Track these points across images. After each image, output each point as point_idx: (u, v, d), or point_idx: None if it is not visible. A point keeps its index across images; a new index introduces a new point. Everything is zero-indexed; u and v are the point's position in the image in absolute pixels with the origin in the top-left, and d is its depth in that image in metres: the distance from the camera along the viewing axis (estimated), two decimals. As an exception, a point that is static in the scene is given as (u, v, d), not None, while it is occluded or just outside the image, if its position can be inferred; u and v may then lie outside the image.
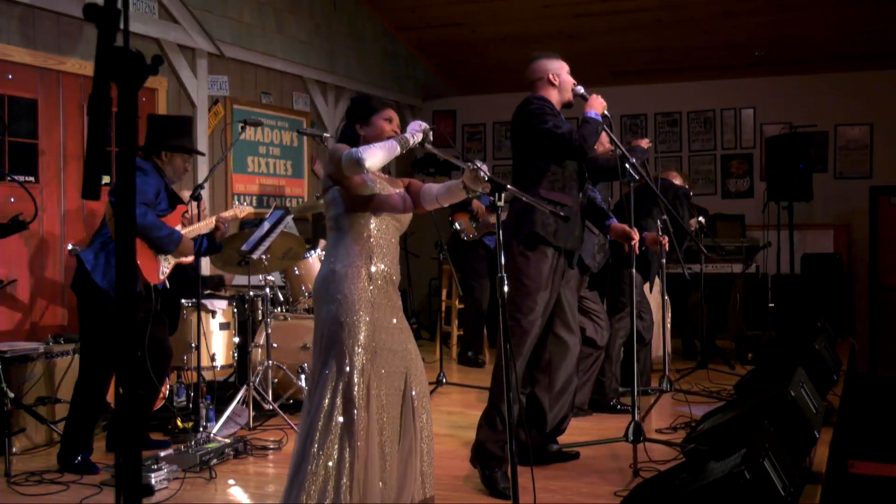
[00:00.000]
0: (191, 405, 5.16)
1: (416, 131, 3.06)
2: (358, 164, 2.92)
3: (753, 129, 9.33)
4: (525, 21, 8.29)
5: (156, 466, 3.88)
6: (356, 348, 2.93)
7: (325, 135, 6.04)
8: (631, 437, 3.91)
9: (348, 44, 8.47)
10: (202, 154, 5.70)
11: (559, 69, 4.13)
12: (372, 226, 3.07)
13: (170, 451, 4.14)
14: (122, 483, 1.29)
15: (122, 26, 1.29)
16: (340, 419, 2.88)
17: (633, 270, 4.30)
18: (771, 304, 7.66)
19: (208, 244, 4.63)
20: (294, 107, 7.92)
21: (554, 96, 4.10)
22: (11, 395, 4.36)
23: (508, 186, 2.96)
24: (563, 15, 8.14)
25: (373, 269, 3.03)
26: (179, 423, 4.84)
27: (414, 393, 3.04)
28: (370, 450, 2.88)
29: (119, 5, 1.27)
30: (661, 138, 9.47)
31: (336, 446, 2.85)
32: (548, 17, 8.14)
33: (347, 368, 2.91)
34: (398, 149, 3.00)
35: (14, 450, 4.38)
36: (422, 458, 3.02)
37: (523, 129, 4.02)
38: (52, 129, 5.54)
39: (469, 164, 2.97)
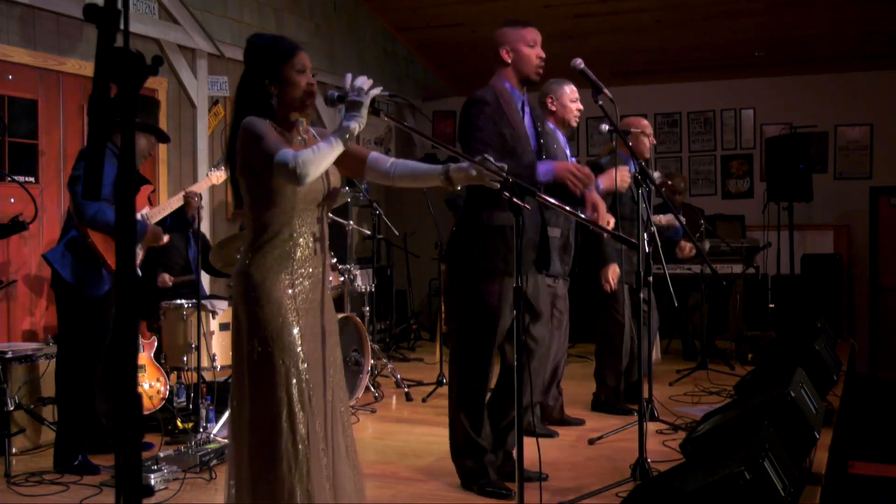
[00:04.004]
0: (191, 406, 5.16)
1: (361, 100, 2.40)
2: (297, 178, 2.36)
3: (753, 130, 9.33)
4: (525, 21, 8.27)
5: (156, 467, 3.88)
6: (287, 367, 2.47)
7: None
8: (639, 478, 3.77)
9: (348, 44, 8.47)
10: (167, 139, 4.79)
11: (516, 41, 3.49)
12: (296, 222, 2.53)
13: (170, 451, 4.14)
14: (122, 483, 1.29)
15: (122, 27, 1.29)
16: (282, 461, 2.45)
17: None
18: (771, 305, 7.65)
19: (174, 222, 4.53)
20: (294, 107, 7.91)
21: (511, 77, 3.55)
22: (12, 394, 4.36)
23: (540, 194, 2.62)
24: (563, 15, 8.15)
25: (296, 269, 2.54)
26: (179, 424, 4.84)
27: (329, 398, 2.61)
28: (317, 481, 2.48)
29: (119, 6, 1.27)
30: (661, 139, 9.46)
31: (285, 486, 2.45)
32: (548, 17, 8.13)
33: (281, 395, 2.47)
34: (343, 147, 2.41)
35: (14, 450, 4.38)
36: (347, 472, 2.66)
37: (460, 138, 3.53)
38: (52, 130, 5.54)
39: (481, 156, 2.56)
